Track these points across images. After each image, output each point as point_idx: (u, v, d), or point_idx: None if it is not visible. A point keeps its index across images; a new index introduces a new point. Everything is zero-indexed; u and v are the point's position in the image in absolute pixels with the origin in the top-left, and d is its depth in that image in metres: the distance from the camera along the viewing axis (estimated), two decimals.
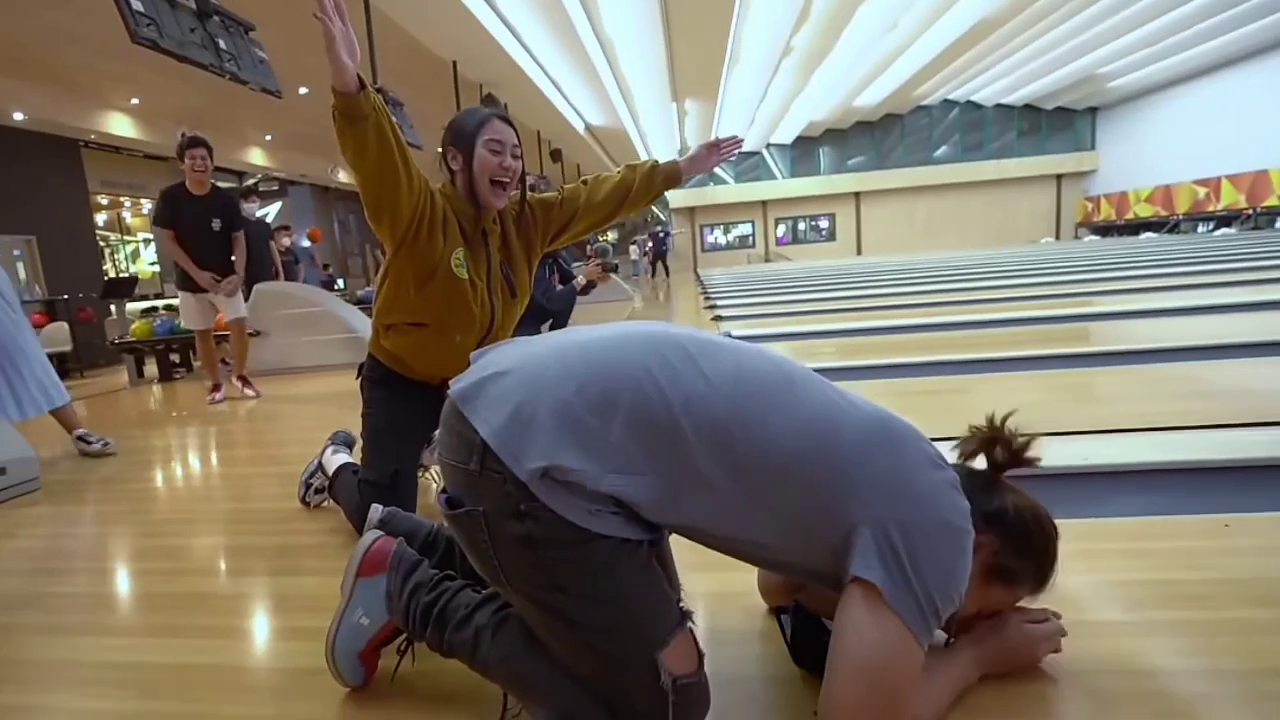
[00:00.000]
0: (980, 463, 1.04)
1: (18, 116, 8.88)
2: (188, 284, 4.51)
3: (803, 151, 25.86)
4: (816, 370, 1.03)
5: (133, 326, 6.43)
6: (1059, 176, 24.62)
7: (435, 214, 1.75)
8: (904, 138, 25.26)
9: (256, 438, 3.56)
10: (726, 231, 26.82)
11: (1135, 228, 21.24)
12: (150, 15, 3.80)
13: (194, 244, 4.41)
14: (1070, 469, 1.97)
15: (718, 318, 7.08)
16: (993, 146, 24.74)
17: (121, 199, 12.99)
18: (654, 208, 29.14)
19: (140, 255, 14.87)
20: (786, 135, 24.71)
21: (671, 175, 2.10)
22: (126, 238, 14.21)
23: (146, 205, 13.49)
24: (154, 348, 6.31)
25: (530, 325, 3.12)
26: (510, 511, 0.90)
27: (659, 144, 21.10)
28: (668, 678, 0.90)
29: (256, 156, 12.62)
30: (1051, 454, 2.03)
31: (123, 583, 1.92)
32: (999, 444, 1.02)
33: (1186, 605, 1.25)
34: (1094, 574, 1.39)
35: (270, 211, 16.29)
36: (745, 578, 1.26)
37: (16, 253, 10.05)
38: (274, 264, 6.89)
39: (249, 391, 4.72)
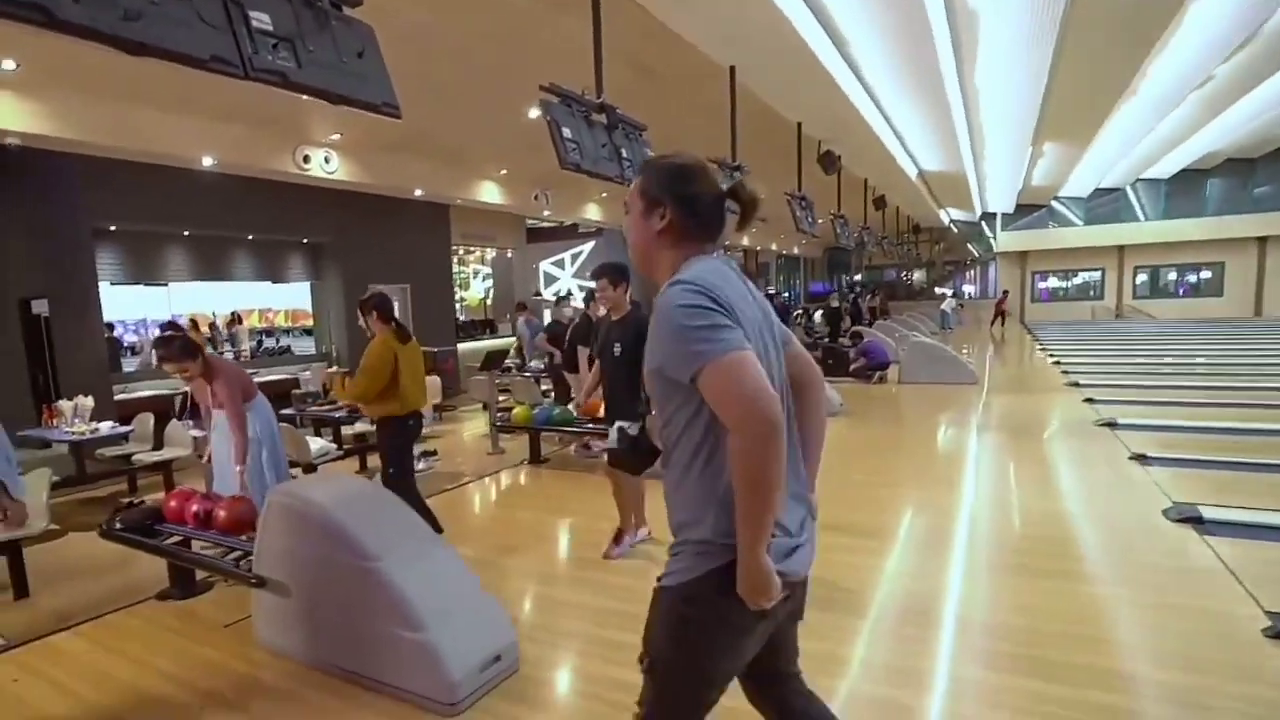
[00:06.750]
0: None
1: (417, 193, 10.16)
2: None
3: (1181, 187, 21.13)
4: None
5: (514, 412, 6.55)
6: None
7: None
8: None
9: None
10: (1065, 279, 22.94)
11: None
12: (575, 140, 4.18)
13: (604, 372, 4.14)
14: None
15: (1089, 400, 5.75)
16: None
17: (471, 246, 14.72)
18: (970, 245, 26.05)
19: (469, 284, 16.73)
20: (1164, 169, 20.33)
21: None
22: (461, 269, 16.04)
23: (490, 253, 15.16)
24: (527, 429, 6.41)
25: None
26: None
27: (998, 186, 18.59)
28: None
29: (592, 211, 13.57)
30: None
31: None
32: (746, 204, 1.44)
33: None
34: None
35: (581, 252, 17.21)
36: None
37: (396, 300, 11.58)
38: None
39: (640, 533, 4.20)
